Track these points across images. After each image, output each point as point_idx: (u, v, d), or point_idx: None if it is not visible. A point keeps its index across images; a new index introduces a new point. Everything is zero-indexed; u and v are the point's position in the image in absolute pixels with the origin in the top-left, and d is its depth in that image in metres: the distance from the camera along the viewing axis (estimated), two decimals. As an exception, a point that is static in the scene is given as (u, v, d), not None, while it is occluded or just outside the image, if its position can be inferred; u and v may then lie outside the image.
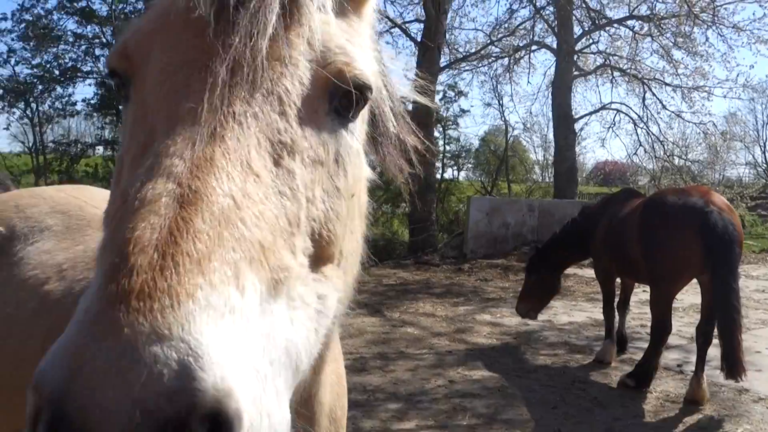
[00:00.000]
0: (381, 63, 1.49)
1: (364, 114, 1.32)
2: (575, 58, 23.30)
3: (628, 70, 23.78)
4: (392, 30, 17.03)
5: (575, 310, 10.71)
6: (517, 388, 6.73)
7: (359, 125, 1.28)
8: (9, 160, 17.10)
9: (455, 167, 27.54)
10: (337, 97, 1.14)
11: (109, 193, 3.37)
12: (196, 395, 0.68)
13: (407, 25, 19.18)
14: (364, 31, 1.36)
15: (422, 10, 19.78)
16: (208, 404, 0.68)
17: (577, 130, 24.25)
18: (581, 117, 25.49)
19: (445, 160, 24.93)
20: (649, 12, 21.22)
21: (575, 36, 22.96)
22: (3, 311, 2.32)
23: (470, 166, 31.63)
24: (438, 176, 22.41)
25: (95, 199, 2.86)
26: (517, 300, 8.69)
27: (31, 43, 15.86)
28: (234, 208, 0.88)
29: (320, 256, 1.09)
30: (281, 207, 0.98)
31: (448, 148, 25.10)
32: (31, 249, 2.50)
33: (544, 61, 55.01)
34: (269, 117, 1.03)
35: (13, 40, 15.79)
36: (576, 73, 23.79)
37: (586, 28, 23.29)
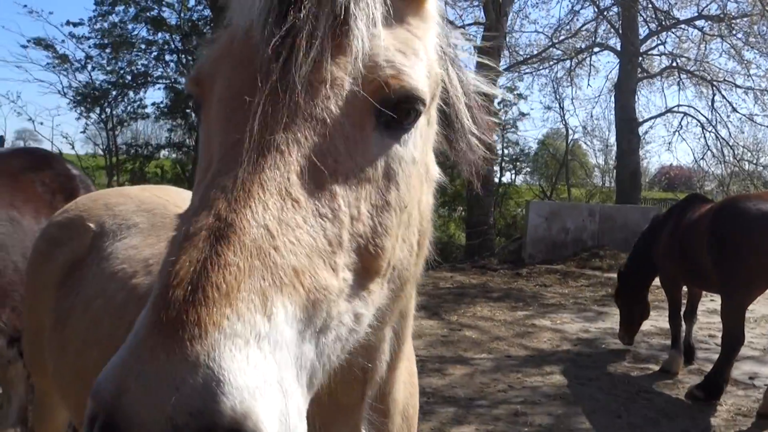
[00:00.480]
0: (449, 59, 1.45)
1: (426, 120, 1.29)
2: (640, 60, 22.66)
3: (696, 72, 22.95)
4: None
5: (639, 319, 10.42)
6: (578, 396, 6.61)
7: (419, 132, 1.25)
8: (85, 161, 18.01)
9: (514, 171, 27.20)
10: (384, 112, 1.12)
11: (188, 193, 3.52)
12: (217, 415, 0.78)
13: (467, 28, 19.09)
14: (425, 33, 1.31)
15: (482, 13, 19.69)
16: (227, 423, 0.79)
17: (640, 134, 23.57)
18: (645, 120, 24.78)
19: (503, 164, 24.65)
20: (719, 12, 20.44)
21: (640, 37, 22.34)
22: (95, 302, 2.47)
23: (528, 170, 31.17)
24: (496, 180, 22.19)
25: (177, 198, 3.00)
26: (618, 329, 8.46)
27: (107, 51, 16.63)
28: (267, 237, 0.94)
29: (367, 269, 1.11)
30: (320, 229, 1.02)
31: (506, 151, 24.82)
32: (119, 245, 2.65)
33: (606, 64, 53.66)
34: (311, 141, 1.05)
35: (89, 47, 16.64)
36: (640, 75, 23.13)
37: (652, 29, 22.62)
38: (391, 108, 1.12)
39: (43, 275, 2.84)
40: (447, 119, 1.49)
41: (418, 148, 1.24)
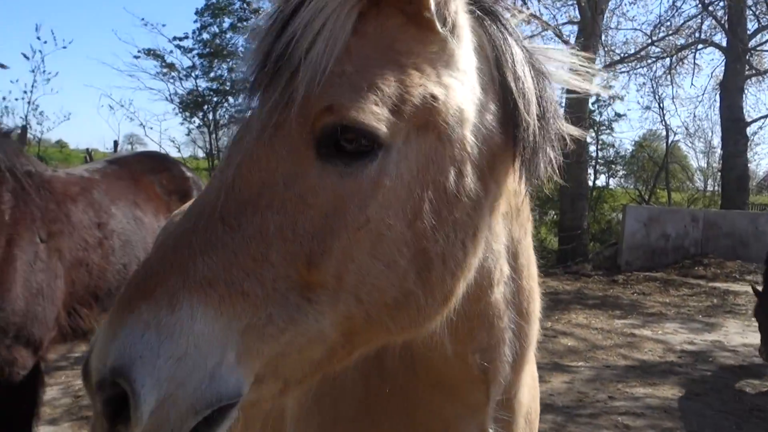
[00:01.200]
0: (515, 61, 1.38)
1: (422, 145, 1.23)
2: (748, 57, 21.27)
3: (813, 68, 21.29)
4: (543, 33, 16.59)
5: (749, 331, 9.75)
6: (685, 411, 6.27)
7: (404, 159, 1.21)
8: (188, 163, 19.07)
9: (609, 174, 26.19)
10: (324, 143, 1.17)
11: None
12: None
13: (560, 27, 18.61)
14: (421, 48, 1.26)
15: (576, 11, 19.12)
16: None
17: (748, 135, 22.11)
18: (754, 120, 23.25)
19: (597, 167, 23.82)
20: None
21: (749, 32, 20.97)
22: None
23: (624, 172, 29.92)
24: (590, 182, 21.46)
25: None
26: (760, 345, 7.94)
27: (209, 60, 17.51)
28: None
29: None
30: None
31: (601, 153, 23.99)
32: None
33: (711, 61, 50.57)
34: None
35: (193, 57, 17.57)
36: (748, 72, 21.73)
37: (763, 24, 21.19)
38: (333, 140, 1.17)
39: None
40: (515, 122, 1.39)
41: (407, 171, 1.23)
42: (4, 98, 16.53)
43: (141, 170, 4.66)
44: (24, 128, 15.58)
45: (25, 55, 16.61)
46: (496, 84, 1.38)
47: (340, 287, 1.16)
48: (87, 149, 19.18)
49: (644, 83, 25.45)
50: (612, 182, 28.16)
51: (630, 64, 22.64)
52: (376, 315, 1.21)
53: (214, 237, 1.11)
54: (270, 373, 1.15)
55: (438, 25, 1.27)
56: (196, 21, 17.65)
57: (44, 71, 18.23)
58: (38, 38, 19.04)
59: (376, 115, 1.17)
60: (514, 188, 1.46)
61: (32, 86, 16.68)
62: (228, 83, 17.67)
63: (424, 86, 1.23)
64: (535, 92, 1.43)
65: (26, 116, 16.52)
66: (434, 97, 1.24)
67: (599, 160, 23.95)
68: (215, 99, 17.89)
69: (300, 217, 1.15)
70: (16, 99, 21.42)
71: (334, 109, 1.16)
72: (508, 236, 1.48)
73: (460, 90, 1.29)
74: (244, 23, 17.74)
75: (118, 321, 1.06)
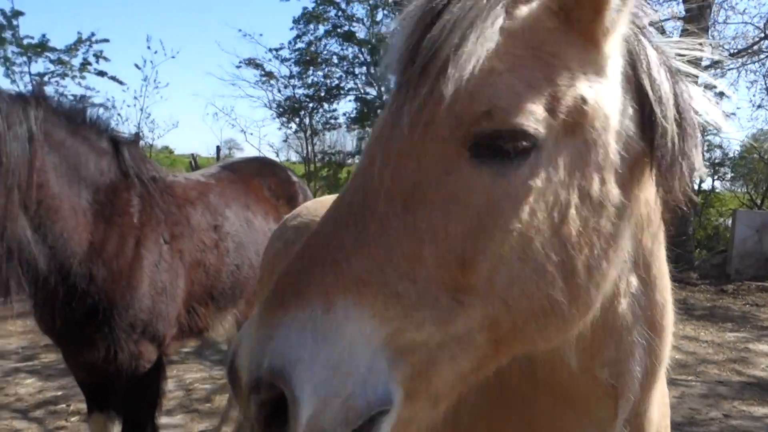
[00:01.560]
0: (642, 68, 1.33)
1: (578, 148, 1.22)
2: None
3: None
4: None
5: None
6: (812, 433, 5.79)
7: (560, 160, 1.20)
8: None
9: (715, 176, 24.66)
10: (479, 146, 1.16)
11: None
12: None
13: (663, 23, 17.75)
14: (573, 51, 1.23)
15: (680, 7, 18.17)
16: None
17: None
18: None
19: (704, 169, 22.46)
20: None
21: None
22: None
23: (732, 175, 28.05)
24: (695, 186, 20.29)
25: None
26: None
27: (304, 67, 18.07)
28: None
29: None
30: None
31: (707, 155, 22.62)
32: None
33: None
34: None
35: (290, 66, 18.20)
36: None
37: None
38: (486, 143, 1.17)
39: (281, 273, 3.11)
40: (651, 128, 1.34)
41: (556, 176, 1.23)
42: (117, 106, 17.66)
43: (251, 175, 4.86)
44: (137, 135, 16.67)
45: (137, 66, 17.74)
46: (633, 86, 1.34)
47: (490, 291, 1.14)
48: (192, 155, 20.23)
49: (756, 80, 23.79)
50: (719, 185, 26.50)
51: (740, 59, 21.23)
52: (523, 322, 1.19)
53: (366, 235, 1.09)
54: (420, 384, 1.11)
55: (599, 34, 1.25)
56: (292, 28, 18.25)
57: (155, 80, 19.48)
58: (148, 48, 20.25)
59: (534, 117, 1.16)
60: (646, 196, 1.40)
61: (143, 94, 17.79)
62: (323, 90, 18.15)
63: (575, 88, 1.21)
64: (672, 96, 1.38)
65: (139, 124, 17.66)
66: (584, 100, 1.22)
67: (705, 162, 22.60)
68: (311, 105, 18.41)
69: (453, 216, 1.13)
70: (129, 105, 22.84)
71: (493, 113, 1.14)
72: (637, 246, 1.42)
73: (606, 95, 1.27)
74: (339, 30, 18.16)
75: (272, 320, 1.03)
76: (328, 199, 3.38)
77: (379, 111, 17.37)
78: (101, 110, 3.63)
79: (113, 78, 16.74)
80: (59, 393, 6.28)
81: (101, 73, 16.62)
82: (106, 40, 16.35)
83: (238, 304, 4.31)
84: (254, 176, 4.88)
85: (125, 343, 3.40)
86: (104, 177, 3.48)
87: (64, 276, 3.22)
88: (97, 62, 16.47)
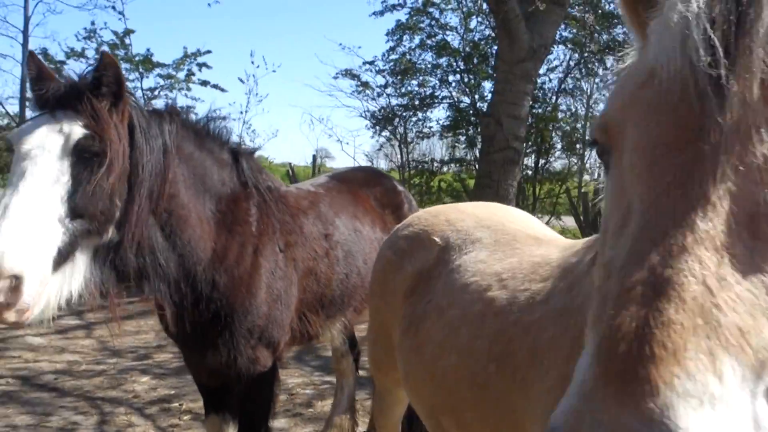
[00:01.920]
0: None
1: None
2: None
3: None
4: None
5: None
6: None
7: None
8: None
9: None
10: None
11: (517, 210, 3.51)
12: None
13: None
14: None
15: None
16: None
17: None
18: None
19: None
20: None
21: None
22: (450, 311, 2.62)
23: None
24: None
25: (511, 217, 3.08)
26: None
27: (398, 77, 18.27)
28: (707, 295, 0.91)
29: None
30: (760, 284, 0.95)
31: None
32: (467, 258, 2.78)
33: None
34: (745, 189, 0.99)
35: (384, 76, 18.46)
36: None
37: None
38: None
39: (393, 283, 3.11)
40: None
41: None
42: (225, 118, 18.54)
43: (358, 184, 4.93)
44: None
45: (240, 79, 18.55)
46: None
47: None
48: (289, 163, 20.90)
49: None
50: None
51: None
52: None
53: (734, 265, 0.94)
54: None
55: None
56: (388, 41, 18.50)
57: (257, 93, 20.28)
58: (252, 62, 21.10)
59: None
60: None
61: (246, 107, 18.58)
62: (417, 99, 18.25)
63: None
64: None
65: (241, 134, 18.45)
66: None
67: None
68: (405, 114, 18.55)
69: None
70: (234, 119, 23.98)
71: None
72: None
73: None
74: (432, 39, 18.24)
75: (645, 398, 0.83)
76: (438, 210, 3.36)
77: (472, 119, 17.25)
78: (222, 122, 3.81)
79: (215, 86, 17.60)
80: (172, 392, 6.60)
81: (204, 83, 17.54)
82: (209, 51, 17.23)
83: (346, 312, 4.38)
84: (362, 186, 4.96)
85: (243, 348, 3.53)
86: (225, 187, 3.64)
87: (192, 282, 3.39)
88: (200, 71, 17.36)
